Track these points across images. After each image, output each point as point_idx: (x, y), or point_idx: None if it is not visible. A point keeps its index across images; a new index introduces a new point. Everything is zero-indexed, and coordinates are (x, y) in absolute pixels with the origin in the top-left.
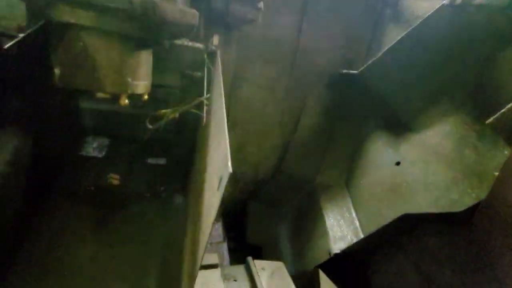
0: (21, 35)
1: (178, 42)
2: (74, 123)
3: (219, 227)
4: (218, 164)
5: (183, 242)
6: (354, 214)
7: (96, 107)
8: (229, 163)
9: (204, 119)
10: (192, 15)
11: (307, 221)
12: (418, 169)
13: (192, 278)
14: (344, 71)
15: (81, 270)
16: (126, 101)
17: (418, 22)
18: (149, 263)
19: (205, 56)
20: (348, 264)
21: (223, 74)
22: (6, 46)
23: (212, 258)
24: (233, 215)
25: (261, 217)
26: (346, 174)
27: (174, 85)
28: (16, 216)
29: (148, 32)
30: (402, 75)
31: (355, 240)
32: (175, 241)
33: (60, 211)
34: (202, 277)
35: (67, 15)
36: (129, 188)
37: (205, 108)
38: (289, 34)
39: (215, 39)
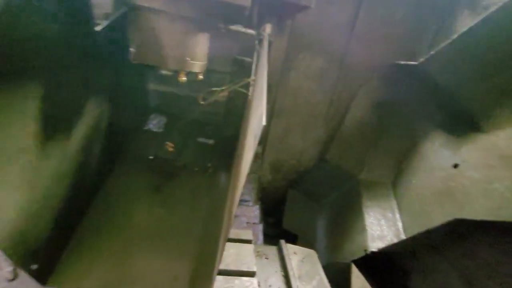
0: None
1: (233, 27)
2: (141, 102)
3: (256, 209)
4: (255, 125)
5: (223, 211)
6: (397, 215)
7: (160, 89)
8: (264, 117)
9: (250, 98)
10: None
11: (346, 216)
12: (479, 173)
13: (227, 231)
14: (402, 62)
15: (138, 223)
16: (184, 78)
17: (497, 7)
18: (193, 224)
19: (256, 42)
20: (384, 265)
21: (273, 63)
22: (96, 29)
23: (247, 234)
24: (273, 202)
25: (300, 206)
26: (393, 173)
27: (226, 71)
28: (94, 173)
29: (205, 14)
30: (474, 67)
31: (395, 241)
32: (216, 210)
33: (126, 174)
34: (236, 249)
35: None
36: (182, 161)
37: (250, 88)
38: (343, 23)
39: (268, 28)
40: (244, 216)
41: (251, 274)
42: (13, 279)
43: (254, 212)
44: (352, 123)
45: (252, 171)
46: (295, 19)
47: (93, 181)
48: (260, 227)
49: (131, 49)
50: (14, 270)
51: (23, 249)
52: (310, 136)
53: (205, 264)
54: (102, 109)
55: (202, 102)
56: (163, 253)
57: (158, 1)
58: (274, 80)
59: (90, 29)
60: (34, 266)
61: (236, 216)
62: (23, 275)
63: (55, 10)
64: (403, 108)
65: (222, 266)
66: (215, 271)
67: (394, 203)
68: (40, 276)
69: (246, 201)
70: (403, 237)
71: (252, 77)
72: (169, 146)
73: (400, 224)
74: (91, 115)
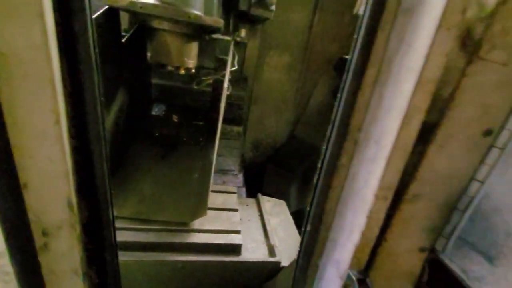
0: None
1: (214, 36)
2: (149, 93)
3: (240, 177)
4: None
5: (211, 171)
6: None
7: (161, 83)
8: (226, 83)
9: (225, 85)
10: (220, 22)
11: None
12: None
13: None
14: (345, 56)
15: (152, 178)
16: (183, 71)
17: None
18: (190, 180)
19: (231, 44)
20: None
21: (249, 59)
22: (123, 40)
23: (232, 188)
24: (255, 177)
25: (277, 176)
26: None
27: (210, 66)
28: (118, 147)
29: (197, 31)
30: None
31: None
32: (206, 171)
33: (140, 145)
34: (224, 197)
35: (156, 23)
36: (180, 137)
37: (226, 77)
38: (303, 26)
39: (242, 32)
40: (231, 182)
41: (235, 210)
42: None
43: (238, 179)
44: (314, 106)
45: (235, 147)
46: (264, 25)
47: (121, 147)
48: (243, 189)
49: (148, 53)
50: None
51: None
52: (282, 118)
53: (200, 203)
54: (124, 97)
55: (196, 87)
56: (171, 197)
57: (166, 24)
58: (250, 73)
59: (119, 39)
60: None
61: (224, 183)
62: None
63: (107, 28)
64: None
65: (213, 206)
66: (206, 206)
67: None
68: None
69: (232, 170)
70: None
71: (230, 69)
72: (175, 118)
73: None
74: (119, 100)
